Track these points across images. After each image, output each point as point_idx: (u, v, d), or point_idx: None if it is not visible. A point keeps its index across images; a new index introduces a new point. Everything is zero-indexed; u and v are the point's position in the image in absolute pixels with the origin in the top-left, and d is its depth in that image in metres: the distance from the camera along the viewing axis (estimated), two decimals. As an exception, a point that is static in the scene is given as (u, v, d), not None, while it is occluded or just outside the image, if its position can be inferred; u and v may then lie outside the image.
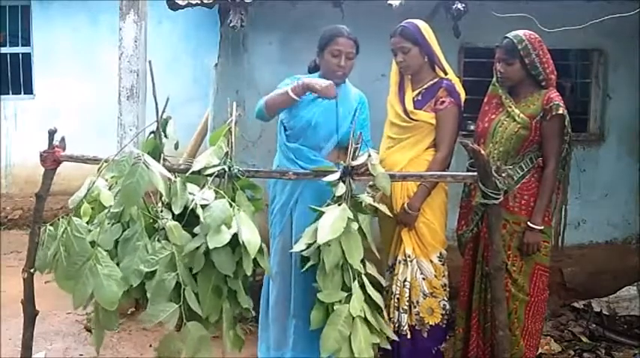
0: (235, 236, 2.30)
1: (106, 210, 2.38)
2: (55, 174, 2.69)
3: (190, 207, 2.37)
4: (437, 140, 3.10)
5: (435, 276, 3.12)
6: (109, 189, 2.41)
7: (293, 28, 4.16)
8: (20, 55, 7.15)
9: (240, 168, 2.54)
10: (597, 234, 4.62)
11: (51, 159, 2.62)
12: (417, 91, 3.13)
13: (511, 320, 2.93)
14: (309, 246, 2.43)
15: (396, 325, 3.13)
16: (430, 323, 3.12)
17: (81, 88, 6.96)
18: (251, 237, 2.33)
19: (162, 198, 2.40)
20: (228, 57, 4.20)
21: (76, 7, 6.94)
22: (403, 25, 3.08)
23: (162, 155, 2.50)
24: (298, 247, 2.46)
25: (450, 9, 3.69)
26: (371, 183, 2.86)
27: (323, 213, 2.42)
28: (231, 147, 2.55)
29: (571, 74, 5.11)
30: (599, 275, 4.44)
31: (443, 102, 3.07)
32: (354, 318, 2.36)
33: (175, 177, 2.46)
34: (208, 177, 2.47)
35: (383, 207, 2.73)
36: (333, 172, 2.54)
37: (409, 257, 3.10)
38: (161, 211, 2.40)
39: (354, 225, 2.43)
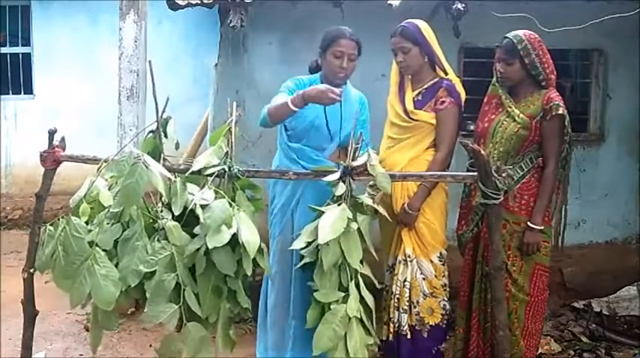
0: (235, 236, 2.30)
1: (106, 210, 2.38)
2: (55, 174, 2.69)
3: (190, 207, 2.37)
4: (437, 140, 3.10)
5: (435, 276, 3.12)
6: (109, 189, 2.41)
7: (293, 28, 4.16)
8: (20, 55, 7.15)
9: (240, 168, 2.54)
10: (597, 234, 4.62)
11: (51, 159, 2.62)
12: (417, 91, 3.13)
13: (511, 320, 2.93)
14: (308, 244, 2.44)
15: (396, 325, 3.14)
16: (430, 323, 3.12)
17: (81, 88, 6.96)
18: (251, 237, 2.33)
19: (162, 198, 2.40)
20: (228, 57, 4.20)
21: (76, 7, 6.94)
22: (403, 25, 3.08)
23: (162, 155, 2.50)
24: (297, 245, 2.46)
25: (450, 9, 3.69)
26: (371, 183, 2.86)
27: (323, 212, 2.42)
28: (231, 147, 2.55)
29: (571, 74, 5.11)
30: (599, 275, 4.44)
31: (443, 102, 3.07)
32: (350, 318, 2.36)
33: (175, 177, 2.46)
34: (208, 177, 2.47)
35: (382, 210, 2.73)
36: (332, 172, 2.54)
37: (409, 257, 3.10)
38: (161, 211, 2.40)
39: (354, 225, 2.43)
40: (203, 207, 2.34)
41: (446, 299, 3.15)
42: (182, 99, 6.07)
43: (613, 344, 3.80)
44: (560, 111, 2.85)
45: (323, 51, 2.95)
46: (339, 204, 2.43)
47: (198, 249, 2.31)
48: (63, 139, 2.66)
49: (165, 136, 2.54)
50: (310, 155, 2.94)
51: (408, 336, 3.12)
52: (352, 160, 2.53)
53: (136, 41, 4.32)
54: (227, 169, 2.50)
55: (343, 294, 2.40)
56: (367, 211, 2.60)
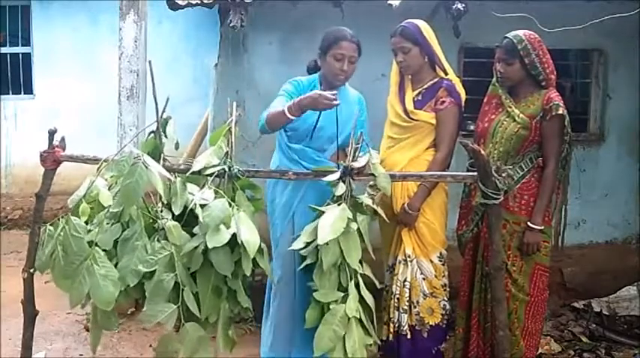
0: (234, 236, 2.30)
1: (106, 210, 2.38)
2: (55, 174, 2.69)
3: (190, 207, 2.37)
4: (437, 140, 3.10)
5: (435, 276, 3.12)
6: (109, 188, 2.41)
7: (293, 28, 4.16)
8: (20, 55, 7.14)
9: (240, 168, 2.54)
10: (597, 234, 4.62)
11: (51, 159, 2.62)
12: (417, 91, 3.13)
13: (511, 320, 2.93)
14: (307, 244, 2.44)
15: (396, 325, 3.14)
16: (430, 323, 3.12)
17: (81, 88, 6.95)
18: (250, 237, 2.32)
19: (162, 198, 2.40)
20: (228, 57, 4.20)
21: (76, 7, 6.94)
22: (403, 25, 3.08)
23: (162, 155, 2.51)
24: (297, 245, 2.46)
25: (450, 9, 3.69)
26: (371, 183, 2.86)
27: (323, 212, 2.42)
28: (231, 147, 2.55)
29: (571, 74, 5.11)
30: (599, 275, 4.43)
31: (443, 102, 3.07)
32: (349, 319, 2.36)
33: (175, 177, 2.46)
34: (208, 177, 2.47)
35: (381, 211, 2.72)
36: (332, 172, 2.54)
37: (409, 257, 3.10)
38: (161, 211, 2.40)
39: (354, 225, 2.43)
40: (203, 207, 2.34)
41: (446, 299, 3.15)
42: (182, 99, 6.06)
43: (613, 344, 3.80)
44: (560, 111, 2.85)
45: (323, 52, 2.93)
46: (339, 204, 2.44)
47: (196, 249, 2.31)
48: (63, 139, 2.67)
49: (165, 136, 2.54)
50: (312, 156, 2.93)
51: (408, 336, 3.12)
52: (352, 160, 2.53)
53: (136, 41, 4.32)
54: (227, 169, 2.50)
55: (342, 294, 2.40)
56: (367, 211, 2.60)
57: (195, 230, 2.35)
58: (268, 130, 2.87)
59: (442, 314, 3.13)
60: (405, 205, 3.08)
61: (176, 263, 2.29)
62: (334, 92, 2.67)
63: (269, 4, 3.90)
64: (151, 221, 2.41)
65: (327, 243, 2.33)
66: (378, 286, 2.63)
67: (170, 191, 2.40)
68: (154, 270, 2.28)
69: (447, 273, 3.16)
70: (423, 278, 3.11)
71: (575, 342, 3.82)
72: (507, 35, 2.95)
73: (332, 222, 2.35)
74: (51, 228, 2.33)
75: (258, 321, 3.44)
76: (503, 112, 3.00)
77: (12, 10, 7.08)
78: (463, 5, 3.63)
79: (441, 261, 3.14)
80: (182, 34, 7.10)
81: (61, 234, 2.27)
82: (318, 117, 2.91)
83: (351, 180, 2.52)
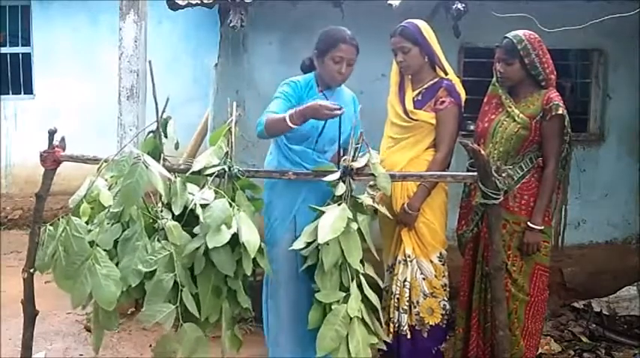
0: (235, 236, 2.30)
1: (106, 210, 2.38)
2: (55, 174, 2.70)
3: (190, 207, 2.37)
4: (437, 140, 3.10)
5: (435, 276, 3.12)
6: (109, 188, 2.41)
7: (293, 28, 4.16)
8: (20, 55, 7.15)
9: (240, 168, 2.54)
10: (597, 234, 4.62)
11: (51, 159, 2.63)
12: (417, 91, 3.13)
13: (511, 320, 2.93)
14: (308, 244, 2.44)
15: (396, 325, 3.13)
16: (430, 323, 3.12)
17: (81, 88, 6.95)
18: (251, 237, 2.33)
19: (162, 198, 2.40)
20: (228, 57, 4.20)
21: (76, 7, 6.94)
22: (403, 25, 3.08)
23: (162, 155, 2.51)
24: (297, 246, 2.45)
25: (450, 9, 3.69)
26: (371, 183, 2.86)
27: (323, 212, 2.42)
28: (231, 147, 2.55)
29: (571, 74, 5.11)
30: (599, 275, 4.43)
31: (443, 102, 3.07)
32: (351, 318, 2.36)
33: (175, 177, 2.46)
34: (208, 177, 2.47)
35: (382, 209, 2.72)
36: (333, 172, 2.54)
37: (409, 257, 3.10)
38: (161, 211, 2.40)
39: (354, 225, 2.43)
40: (203, 206, 2.35)
41: (446, 299, 3.14)
42: (182, 99, 6.06)
43: (613, 344, 3.80)
44: (560, 111, 2.85)
45: (321, 53, 2.87)
46: (339, 204, 2.44)
47: (197, 249, 2.31)
48: (63, 139, 2.67)
49: (166, 136, 2.55)
50: (313, 157, 2.90)
51: (408, 336, 3.12)
52: (352, 160, 2.53)
53: (136, 41, 4.32)
54: (227, 169, 2.50)
55: (344, 294, 2.40)
56: (367, 211, 2.60)
57: (196, 230, 2.36)
58: (266, 136, 2.80)
59: (442, 314, 3.13)
60: (405, 205, 3.08)
61: (176, 263, 2.30)
62: (339, 107, 2.61)
63: (269, 4, 3.90)
64: (151, 221, 2.42)
65: (327, 243, 2.33)
66: (382, 285, 2.63)
67: (170, 191, 2.40)
68: (154, 270, 2.28)
69: (447, 273, 3.16)
70: (423, 279, 3.11)
71: (575, 342, 3.82)
72: (507, 35, 2.95)
73: (332, 221, 2.35)
74: (51, 228, 2.34)
75: (258, 321, 3.44)
76: (503, 112, 3.00)
77: (12, 10, 7.08)
78: (463, 5, 3.63)
79: (441, 261, 3.13)
80: (182, 34, 7.10)
81: (62, 234, 2.27)
82: (325, 124, 2.87)
83: (351, 180, 2.52)
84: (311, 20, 3.91)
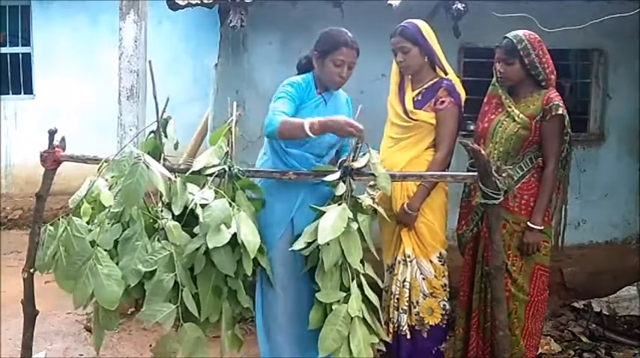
0: (235, 236, 2.30)
1: (106, 210, 2.38)
2: (56, 174, 2.70)
3: (190, 206, 2.37)
4: (437, 140, 3.10)
5: (435, 276, 3.11)
6: (109, 189, 2.41)
7: (293, 28, 4.16)
8: (20, 55, 7.15)
9: (240, 168, 2.54)
10: (597, 234, 4.62)
11: (51, 159, 2.63)
12: (417, 91, 3.13)
13: (511, 320, 2.93)
14: (308, 245, 2.44)
15: (396, 325, 3.13)
16: (430, 323, 3.12)
17: (81, 88, 6.96)
18: (251, 237, 2.33)
19: (162, 198, 2.40)
20: (228, 57, 4.20)
21: (76, 7, 6.94)
22: (403, 25, 3.08)
23: (162, 155, 2.51)
24: (298, 246, 2.45)
25: (450, 9, 3.69)
26: (371, 183, 2.86)
27: (323, 213, 2.42)
28: (232, 147, 2.55)
29: (571, 74, 5.11)
30: (599, 275, 4.44)
31: (443, 102, 3.07)
32: (352, 318, 2.36)
33: (175, 176, 2.47)
34: (208, 177, 2.47)
35: (382, 210, 2.72)
36: (333, 172, 2.54)
37: (409, 257, 3.10)
38: (161, 211, 2.41)
39: (354, 225, 2.43)
40: (203, 206, 2.35)
41: (446, 299, 3.14)
42: (182, 99, 6.06)
43: (613, 344, 3.80)
44: (560, 112, 2.85)
45: (321, 54, 2.82)
46: (339, 204, 2.44)
47: (198, 249, 2.31)
48: (63, 139, 2.67)
49: (166, 136, 2.55)
50: (312, 161, 2.85)
51: (408, 336, 3.12)
52: (353, 160, 2.53)
53: (136, 41, 4.32)
54: (227, 169, 2.50)
55: (344, 294, 2.40)
56: (367, 211, 2.60)
57: (196, 230, 2.36)
58: (276, 138, 2.70)
59: (442, 315, 3.13)
60: (405, 205, 3.08)
61: (176, 263, 2.30)
62: (362, 128, 2.55)
63: (269, 4, 3.90)
64: (151, 221, 2.42)
65: (327, 243, 2.33)
66: (382, 286, 2.63)
67: (170, 191, 2.40)
68: (154, 270, 2.28)
69: (446, 273, 3.16)
70: (423, 279, 3.11)
71: (575, 342, 3.82)
72: (507, 35, 2.95)
73: (332, 222, 2.35)
74: (51, 228, 2.34)
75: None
76: (503, 112, 3.00)
77: (12, 10, 7.08)
78: (463, 5, 3.64)
79: (440, 261, 3.13)
80: (182, 34, 7.10)
81: (63, 234, 2.28)
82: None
83: (351, 180, 2.52)
84: (311, 20, 3.92)
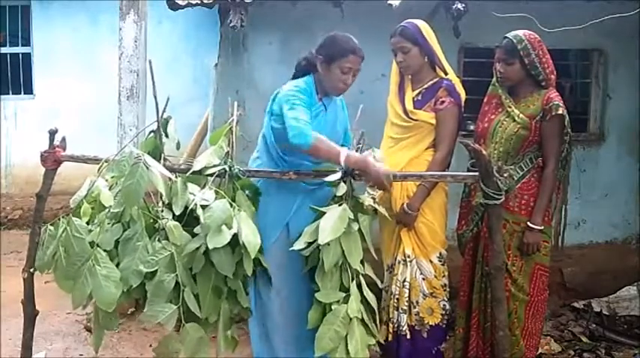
0: (235, 236, 2.30)
1: (107, 210, 2.38)
2: (56, 174, 2.69)
3: (191, 207, 2.37)
4: (437, 140, 3.10)
5: (435, 276, 3.11)
6: (110, 189, 2.41)
7: (293, 28, 4.16)
8: (20, 55, 7.15)
9: (241, 168, 2.54)
10: (597, 234, 4.62)
11: (51, 159, 2.63)
12: (417, 91, 3.13)
13: (511, 320, 2.93)
14: (308, 245, 2.43)
15: (396, 325, 3.13)
16: (430, 323, 3.12)
17: (81, 88, 6.96)
18: (251, 238, 2.33)
19: (163, 198, 2.40)
20: (228, 57, 4.20)
21: (76, 7, 6.94)
22: (403, 25, 3.08)
23: (162, 155, 2.51)
24: (298, 246, 2.45)
25: (450, 9, 3.69)
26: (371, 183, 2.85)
27: (323, 213, 2.42)
28: (232, 147, 2.55)
29: (571, 74, 5.11)
30: (599, 275, 4.44)
31: (443, 102, 3.07)
32: (351, 319, 2.36)
33: (176, 177, 2.46)
34: (209, 177, 2.47)
35: (382, 209, 2.72)
36: (334, 172, 2.53)
37: (409, 257, 3.10)
38: (161, 211, 2.40)
39: (355, 226, 2.43)
40: (203, 207, 2.35)
41: (446, 299, 3.14)
42: (182, 99, 6.06)
43: (613, 344, 3.80)
44: (560, 112, 2.85)
45: (327, 60, 2.77)
46: (339, 205, 2.44)
47: (198, 249, 2.31)
48: (63, 139, 2.67)
49: (166, 136, 2.55)
50: (311, 168, 2.86)
51: (408, 336, 3.12)
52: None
53: (136, 41, 4.32)
54: (227, 169, 2.50)
55: (344, 294, 2.40)
56: (368, 211, 2.60)
57: (197, 230, 2.35)
58: (307, 152, 2.62)
59: (442, 315, 3.13)
60: (405, 205, 3.08)
61: (177, 263, 2.29)
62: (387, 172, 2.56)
63: (269, 4, 3.90)
64: (152, 221, 2.42)
65: (328, 244, 2.33)
66: (380, 286, 2.62)
67: (171, 191, 2.40)
68: (155, 271, 2.28)
69: (446, 273, 3.16)
70: (423, 279, 3.11)
71: (575, 342, 3.82)
72: (507, 35, 2.95)
73: (333, 222, 2.35)
74: (51, 228, 2.34)
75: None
76: (503, 112, 3.00)
77: (12, 10, 7.08)
78: (463, 5, 3.64)
79: (440, 261, 3.13)
80: (182, 34, 7.10)
81: (63, 234, 2.28)
82: (320, 132, 2.70)
83: (352, 180, 2.52)
84: (311, 20, 3.92)
